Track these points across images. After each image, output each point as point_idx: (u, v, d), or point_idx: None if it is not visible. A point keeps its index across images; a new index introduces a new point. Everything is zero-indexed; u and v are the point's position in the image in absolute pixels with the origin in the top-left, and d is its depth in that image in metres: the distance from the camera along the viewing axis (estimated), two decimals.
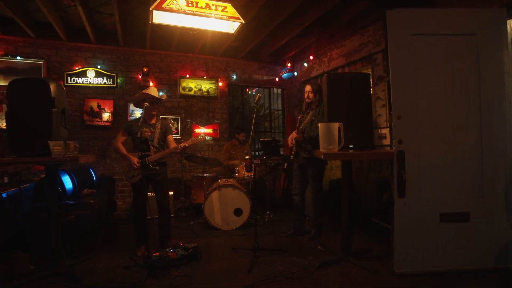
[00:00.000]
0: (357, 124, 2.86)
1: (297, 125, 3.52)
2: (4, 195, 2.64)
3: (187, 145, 3.22)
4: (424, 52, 2.68)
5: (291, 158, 3.64)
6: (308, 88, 3.67)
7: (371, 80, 4.07)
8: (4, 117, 4.16)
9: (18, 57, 4.60)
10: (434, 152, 2.68)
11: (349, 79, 3.00)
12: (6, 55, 4.56)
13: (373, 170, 4.21)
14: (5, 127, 4.13)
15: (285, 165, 3.56)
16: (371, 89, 4.08)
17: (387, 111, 3.98)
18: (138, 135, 2.89)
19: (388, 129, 3.76)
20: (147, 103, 3.21)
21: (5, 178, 3.14)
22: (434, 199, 2.66)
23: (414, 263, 2.64)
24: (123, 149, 3.29)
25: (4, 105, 4.42)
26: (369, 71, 4.33)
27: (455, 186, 2.67)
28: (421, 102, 2.67)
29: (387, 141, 3.88)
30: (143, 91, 3.34)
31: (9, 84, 2.64)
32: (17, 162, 2.66)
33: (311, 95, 3.63)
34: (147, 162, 3.20)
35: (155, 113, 3.37)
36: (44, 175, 3.35)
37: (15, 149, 2.57)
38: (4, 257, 2.78)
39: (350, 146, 2.84)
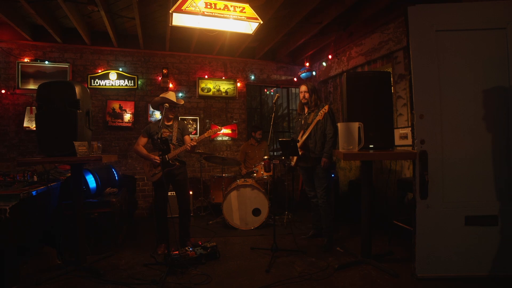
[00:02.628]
0: (377, 124, 2.79)
1: (305, 135, 3.47)
2: (34, 193, 2.76)
3: (195, 143, 3.34)
4: (448, 49, 2.58)
5: (292, 164, 3.60)
6: (303, 88, 3.57)
7: (391, 79, 3.97)
8: (34, 118, 4.41)
9: (47, 62, 4.83)
10: (458, 152, 2.57)
11: (369, 78, 2.93)
12: (35, 60, 4.80)
13: (394, 170, 4.11)
14: (35, 128, 4.35)
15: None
16: (392, 88, 3.98)
17: (409, 110, 3.87)
18: (159, 135, 2.97)
19: (410, 128, 3.64)
20: (167, 104, 3.30)
21: (35, 176, 3.28)
22: (458, 201, 2.56)
23: (437, 267, 2.55)
24: (144, 151, 3.39)
25: (34, 108, 4.65)
26: (390, 69, 4.24)
27: (482, 187, 2.55)
28: (445, 100, 2.57)
29: (408, 141, 3.78)
30: (162, 95, 3.45)
31: (38, 87, 2.77)
32: (44, 161, 2.78)
33: (307, 95, 3.53)
34: (167, 159, 3.28)
35: (172, 116, 3.47)
36: (69, 174, 3.49)
37: (43, 149, 2.70)
38: (34, 251, 2.92)
39: (371, 146, 2.78)
